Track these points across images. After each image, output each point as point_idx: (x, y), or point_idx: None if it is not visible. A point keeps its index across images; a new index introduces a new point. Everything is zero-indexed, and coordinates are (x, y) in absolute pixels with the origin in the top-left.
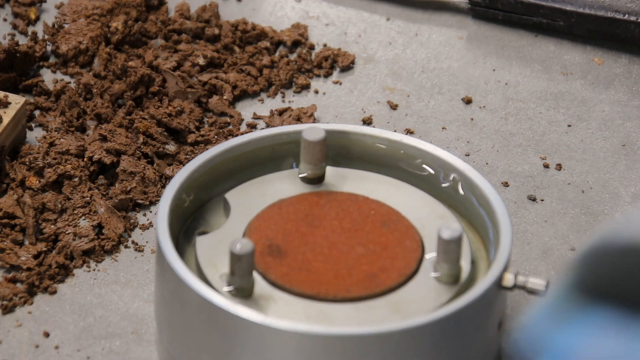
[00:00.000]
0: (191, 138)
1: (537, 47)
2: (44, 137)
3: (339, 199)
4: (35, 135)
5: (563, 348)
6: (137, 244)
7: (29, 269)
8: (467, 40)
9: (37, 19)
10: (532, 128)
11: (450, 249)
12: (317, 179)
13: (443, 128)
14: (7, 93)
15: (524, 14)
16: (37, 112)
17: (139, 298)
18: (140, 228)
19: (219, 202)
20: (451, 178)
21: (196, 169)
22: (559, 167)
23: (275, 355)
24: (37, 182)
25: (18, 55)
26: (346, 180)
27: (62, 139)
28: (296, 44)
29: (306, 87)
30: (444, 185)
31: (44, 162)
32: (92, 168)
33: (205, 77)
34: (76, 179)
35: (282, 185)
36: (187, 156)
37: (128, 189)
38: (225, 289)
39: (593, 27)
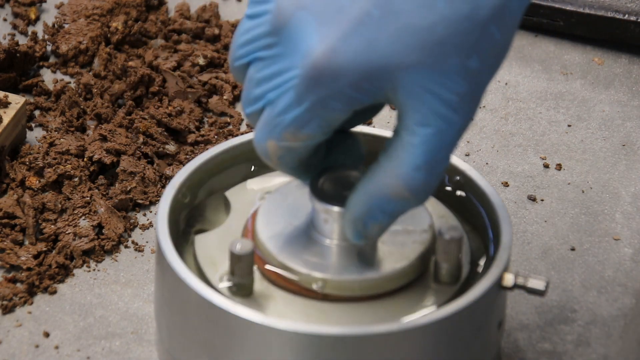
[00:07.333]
0: (191, 138)
1: (537, 47)
2: (44, 137)
3: None
4: (35, 135)
5: None
6: (137, 244)
7: (29, 269)
8: None
9: (37, 19)
10: (532, 128)
11: (450, 249)
12: None
13: None
14: (7, 93)
15: (524, 14)
16: (37, 112)
17: (139, 298)
18: (140, 228)
19: (219, 201)
20: (455, 180)
21: (196, 169)
22: (559, 167)
23: (275, 355)
24: (37, 182)
25: (18, 55)
26: None
27: (62, 139)
28: None
29: None
30: (447, 188)
31: (44, 162)
32: (92, 168)
33: (205, 77)
34: (76, 179)
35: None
36: (187, 156)
37: (128, 189)
38: (225, 284)
39: (593, 27)
